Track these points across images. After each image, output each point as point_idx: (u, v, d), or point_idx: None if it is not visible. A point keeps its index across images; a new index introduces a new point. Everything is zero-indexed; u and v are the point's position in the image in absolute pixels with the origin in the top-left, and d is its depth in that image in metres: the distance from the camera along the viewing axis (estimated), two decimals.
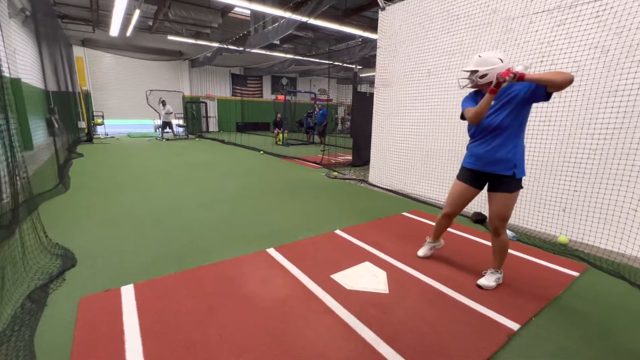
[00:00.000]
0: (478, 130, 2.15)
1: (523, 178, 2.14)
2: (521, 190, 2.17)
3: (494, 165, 2.10)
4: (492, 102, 2.01)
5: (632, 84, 2.62)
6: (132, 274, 2.30)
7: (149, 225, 3.28)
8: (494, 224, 2.17)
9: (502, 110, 2.03)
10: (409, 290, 2.19)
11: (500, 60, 1.99)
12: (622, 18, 2.66)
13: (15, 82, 6.28)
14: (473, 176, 2.25)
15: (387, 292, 2.16)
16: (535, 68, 3.21)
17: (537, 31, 3.19)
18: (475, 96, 2.20)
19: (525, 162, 3.30)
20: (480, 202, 3.79)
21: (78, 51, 12.25)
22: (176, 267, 2.41)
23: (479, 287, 2.22)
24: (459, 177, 2.35)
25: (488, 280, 2.23)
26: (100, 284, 2.15)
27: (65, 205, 3.87)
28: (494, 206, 2.15)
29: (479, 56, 2.04)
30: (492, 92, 1.91)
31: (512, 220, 3.50)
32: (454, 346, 1.67)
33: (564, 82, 1.72)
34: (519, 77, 1.78)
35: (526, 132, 3.27)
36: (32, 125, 6.86)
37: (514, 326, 1.83)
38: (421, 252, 2.71)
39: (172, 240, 2.92)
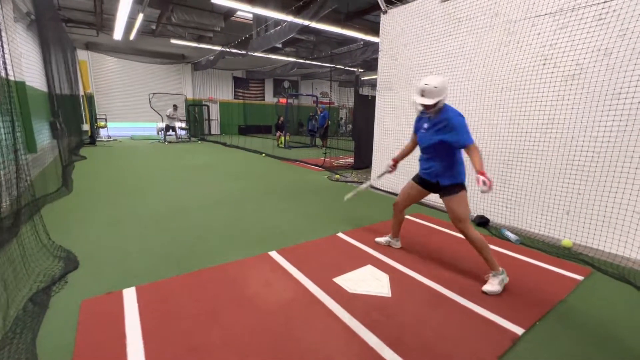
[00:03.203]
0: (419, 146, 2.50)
1: (463, 182, 2.34)
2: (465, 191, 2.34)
3: (427, 174, 2.43)
4: (425, 126, 2.35)
5: (636, 87, 2.61)
6: (134, 276, 2.30)
7: (151, 227, 3.28)
8: (455, 227, 2.33)
9: (429, 139, 2.32)
10: (412, 294, 2.18)
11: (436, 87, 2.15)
12: (625, 21, 2.65)
13: (20, 85, 6.33)
14: (419, 177, 2.56)
15: (390, 295, 2.15)
16: (538, 71, 3.21)
17: (539, 34, 3.18)
18: (420, 118, 2.44)
19: (530, 165, 3.33)
20: (484, 205, 3.77)
21: (82, 54, 12.36)
22: (178, 270, 2.40)
23: (485, 293, 2.17)
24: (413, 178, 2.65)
25: (492, 285, 2.20)
26: (102, 287, 2.14)
27: (68, 207, 3.88)
28: (447, 210, 2.36)
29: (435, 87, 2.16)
30: None
31: (516, 223, 3.49)
32: (458, 351, 1.65)
33: None
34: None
35: (530, 135, 3.32)
36: (36, 127, 6.90)
37: (519, 331, 1.81)
38: (378, 239, 3.01)
39: (175, 242, 2.92)
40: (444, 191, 2.34)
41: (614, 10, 2.70)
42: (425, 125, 2.34)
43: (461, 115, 2.21)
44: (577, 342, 1.75)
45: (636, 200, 2.66)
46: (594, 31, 2.82)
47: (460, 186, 2.29)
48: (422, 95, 2.19)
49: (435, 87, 2.13)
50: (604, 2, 2.76)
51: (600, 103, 2.82)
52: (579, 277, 2.45)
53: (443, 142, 2.21)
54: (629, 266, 2.63)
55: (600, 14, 2.78)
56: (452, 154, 2.27)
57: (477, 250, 2.27)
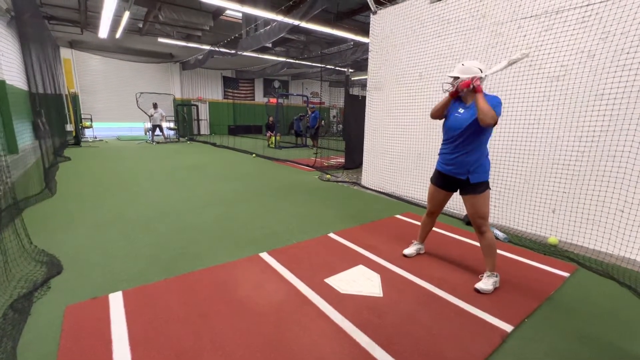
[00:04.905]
0: (446, 135, 2.35)
1: (488, 180, 2.28)
2: (490, 190, 2.31)
3: (453, 169, 2.30)
4: (461, 111, 2.24)
5: (617, 87, 2.69)
6: (120, 280, 2.24)
7: (138, 230, 3.21)
8: (474, 222, 2.29)
9: (466, 120, 2.18)
10: (403, 293, 2.19)
11: (480, 70, 2.17)
12: (607, 24, 2.72)
13: (0, 84, 6.12)
14: (441, 178, 2.42)
15: (381, 295, 2.15)
16: (524, 72, 3.27)
17: (525, 36, 3.25)
18: (454, 101, 2.35)
19: (516, 164, 3.39)
20: None
21: (66, 53, 12.03)
22: (167, 273, 2.35)
23: (477, 291, 2.21)
24: (431, 179, 2.54)
25: (485, 284, 2.23)
26: (87, 292, 2.08)
27: (51, 210, 3.76)
28: (467, 207, 2.31)
29: (462, 64, 2.21)
30: (450, 95, 2.27)
31: (503, 221, 3.54)
32: (449, 349, 1.66)
33: (487, 118, 1.98)
34: (475, 89, 2.08)
35: (516, 135, 3.37)
36: (18, 128, 6.68)
37: (508, 328, 1.84)
38: (407, 250, 2.79)
39: (163, 245, 2.86)
40: (471, 189, 2.23)
41: (596, 13, 2.78)
42: (461, 110, 2.24)
43: (500, 100, 2.17)
44: (564, 337, 1.79)
45: (619, 199, 2.74)
46: (578, 33, 2.89)
47: (487, 184, 2.25)
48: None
49: (463, 65, 2.22)
50: (587, 5, 2.83)
51: (584, 104, 2.89)
52: (565, 274, 2.50)
53: (477, 120, 2.06)
54: (612, 262, 2.70)
55: (583, 17, 2.85)
56: (483, 142, 2.20)
57: (486, 249, 2.27)
